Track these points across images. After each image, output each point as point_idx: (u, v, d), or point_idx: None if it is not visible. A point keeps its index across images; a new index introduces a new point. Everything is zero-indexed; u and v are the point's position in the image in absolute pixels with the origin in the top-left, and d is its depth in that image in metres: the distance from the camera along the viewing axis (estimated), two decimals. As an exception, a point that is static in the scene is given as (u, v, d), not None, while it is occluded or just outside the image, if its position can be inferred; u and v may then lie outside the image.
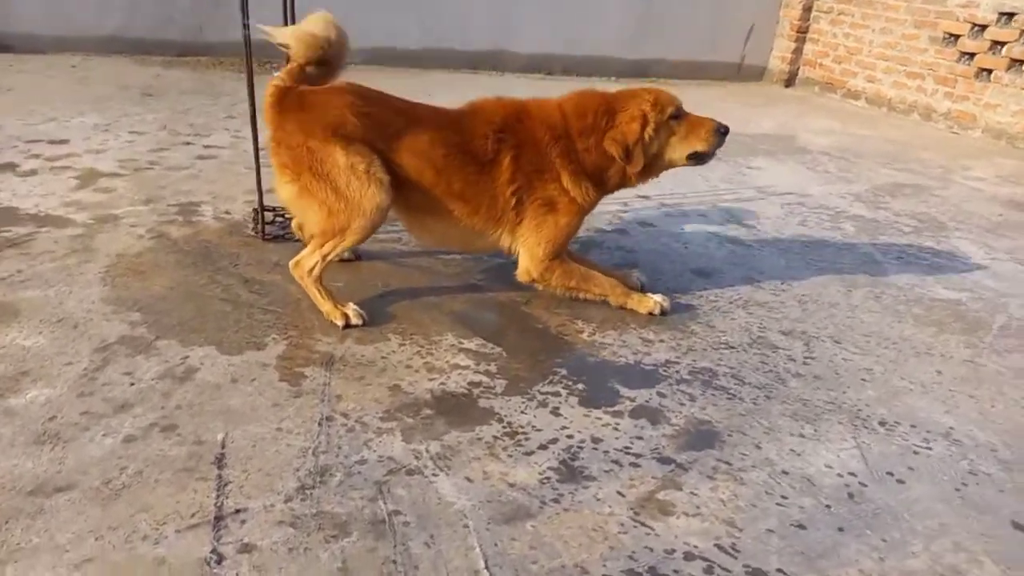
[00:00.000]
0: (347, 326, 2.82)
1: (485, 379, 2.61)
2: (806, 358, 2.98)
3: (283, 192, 2.83)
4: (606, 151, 2.95)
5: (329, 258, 2.83)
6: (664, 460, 2.28)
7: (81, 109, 5.32)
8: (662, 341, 2.99)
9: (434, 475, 2.12)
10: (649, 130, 2.94)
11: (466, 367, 2.67)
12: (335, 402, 2.39)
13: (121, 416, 2.22)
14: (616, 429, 2.41)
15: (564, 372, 2.71)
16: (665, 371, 2.78)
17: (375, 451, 2.19)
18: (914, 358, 3.07)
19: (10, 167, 4.11)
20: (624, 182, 3.09)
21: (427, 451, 2.21)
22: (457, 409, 2.43)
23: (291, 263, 2.88)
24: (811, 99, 9.22)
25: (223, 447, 2.14)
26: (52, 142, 4.60)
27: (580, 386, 2.63)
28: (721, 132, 3.04)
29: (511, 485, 2.11)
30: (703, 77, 9.86)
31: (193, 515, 1.89)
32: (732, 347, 3.00)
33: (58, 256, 3.16)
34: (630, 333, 3.03)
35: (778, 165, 5.98)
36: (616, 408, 2.52)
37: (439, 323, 2.96)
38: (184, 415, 2.26)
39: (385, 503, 1.99)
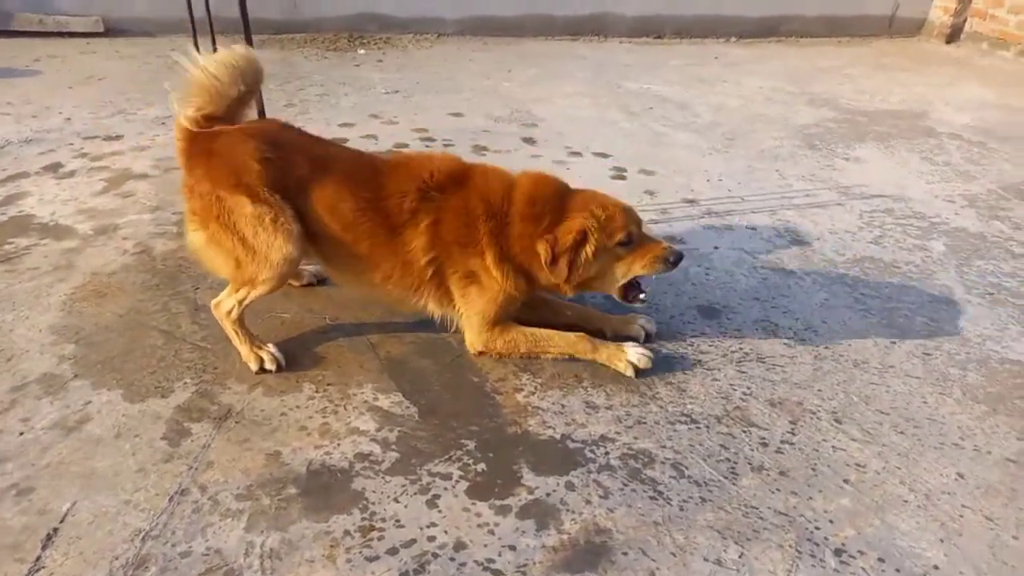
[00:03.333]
0: (261, 370, 2.68)
1: (377, 450, 2.37)
2: (783, 443, 2.45)
3: (191, 239, 2.70)
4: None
5: (245, 303, 2.69)
6: (525, 584, 1.95)
7: (151, 100, 5.52)
8: (609, 408, 2.58)
9: (253, 579, 1.93)
10: (588, 250, 2.59)
11: (365, 432, 2.44)
12: (201, 471, 2.26)
13: (-10, 473, 2.23)
14: (491, 533, 2.09)
15: (472, 446, 2.40)
16: (592, 452, 2.39)
17: (207, 540, 2.03)
18: (934, 451, 2.44)
19: (53, 168, 4.32)
20: (554, 286, 2.73)
21: (261, 545, 2.02)
22: (325, 489, 2.21)
23: (212, 303, 2.76)
24: (973, 60, 7.80)
25: (63, 520, 2.08)
26: (107, 138, 4.80)
27: (481, 466, 2.32)
28: (670, 262, 2.64)
29: (328, 602, 1.88)
30: (846, 34, 8.65)
31: (-13, 606, 1.84)
32: (694, 421, 2.53)
33: (39, 274, 3.25)
34: (576, 395, 2.64)
35: (884, 155, 5.07)
36: (506, 502, 2.19)
37: (366, 370, 2.73)
38: (47, 476, 2.22)
39: (181, 612, 1.84)
